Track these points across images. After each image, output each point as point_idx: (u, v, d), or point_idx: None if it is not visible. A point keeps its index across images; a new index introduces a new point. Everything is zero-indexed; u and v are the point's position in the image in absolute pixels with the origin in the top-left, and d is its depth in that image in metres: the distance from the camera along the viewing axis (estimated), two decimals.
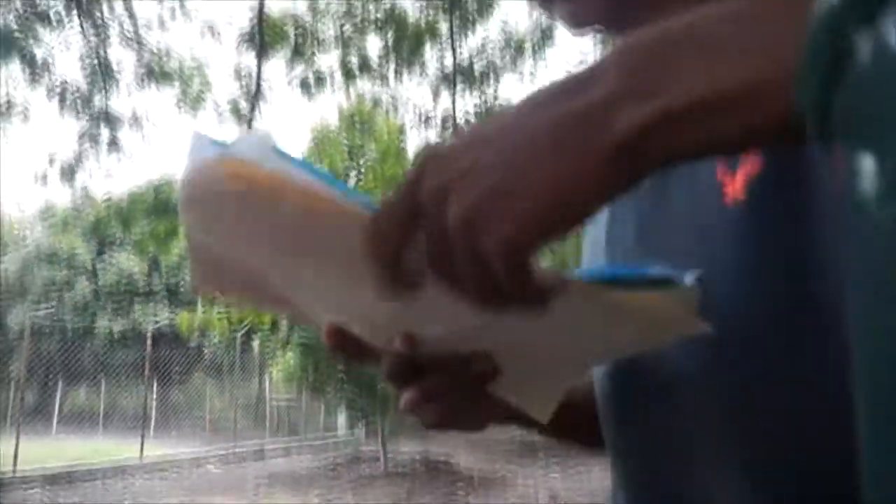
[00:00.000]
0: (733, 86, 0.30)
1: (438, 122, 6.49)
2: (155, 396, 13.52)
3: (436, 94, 6.39)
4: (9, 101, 6.28)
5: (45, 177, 5.71)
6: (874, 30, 0.17)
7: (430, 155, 0.37)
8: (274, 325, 9.34)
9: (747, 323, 0.44)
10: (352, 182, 8.83)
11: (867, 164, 0.17)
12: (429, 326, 0.45)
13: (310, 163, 0.42)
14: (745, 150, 0.36)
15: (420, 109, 6.60)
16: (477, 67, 6.05)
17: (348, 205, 0.38)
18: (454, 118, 6.11)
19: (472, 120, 6.33)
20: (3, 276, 21.58)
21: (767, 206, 0.44)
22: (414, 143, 6.64)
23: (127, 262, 21.02)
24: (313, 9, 6.13)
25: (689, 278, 0.43)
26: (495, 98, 6.25)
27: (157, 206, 5.78)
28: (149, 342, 11.47)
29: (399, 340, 0.47)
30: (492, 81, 6.15)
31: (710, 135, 0.31)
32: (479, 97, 6.24)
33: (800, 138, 0.28)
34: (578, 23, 0.59)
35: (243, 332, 10.83)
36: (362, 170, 9.40)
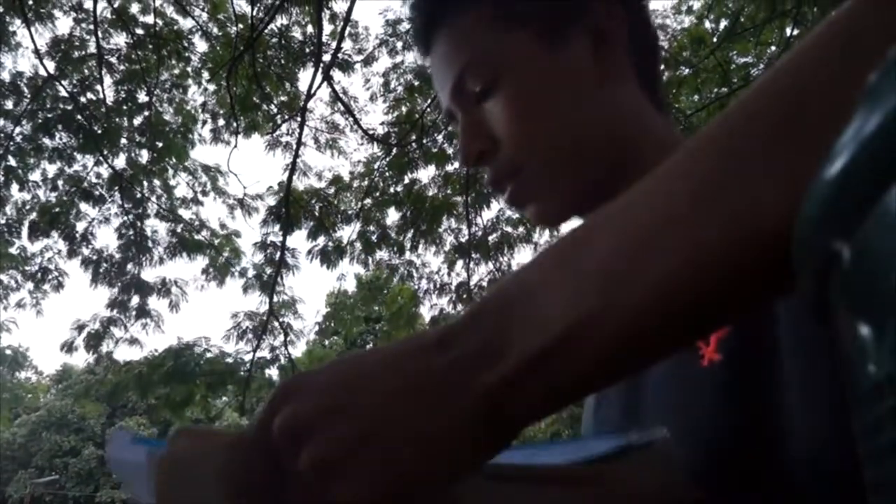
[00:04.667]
0: (563, 328, 0.30)
1: (453, 289, 6.67)
2: None
3: (451, 265, 6.61)
4: (44, 269, 6.57)
5: (72, 344, 5.82)
6: (858, 231, 0.17)
7: (288, 387, 0.35)
8: None
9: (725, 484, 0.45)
10: (367, 347, 8.86)
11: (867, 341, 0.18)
12: None
13: None
14: (619, 377, 0.33)
15: (436, 277, 6.81)
16: (491, 239, 6.30)
17: None
18: (468, 287, 6.28)
19: (487, 287, 6.51)
20: (10, 442, 21.15)
21: (741, 361, 0.46)
22: (428, 309, 6.79)
23: (137, 427, 20.62)
24: (337, 185, 6.53)
25: (646, 436, 0.42)
26: (509, 268, 6.47)
27: (174, 371, 5.82)
28: None
29: None
30: (505, 253, 6.38)
31: (568, 377, 0.31)
32: (494, 267, 6.46)
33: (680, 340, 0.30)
34: (549, 222, 0.63)
35: None
36: (378, 335, 9.49)
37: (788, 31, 5.23)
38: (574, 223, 0.61)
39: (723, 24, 6.12)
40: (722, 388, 0.46)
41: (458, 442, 0.32)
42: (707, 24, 6.26)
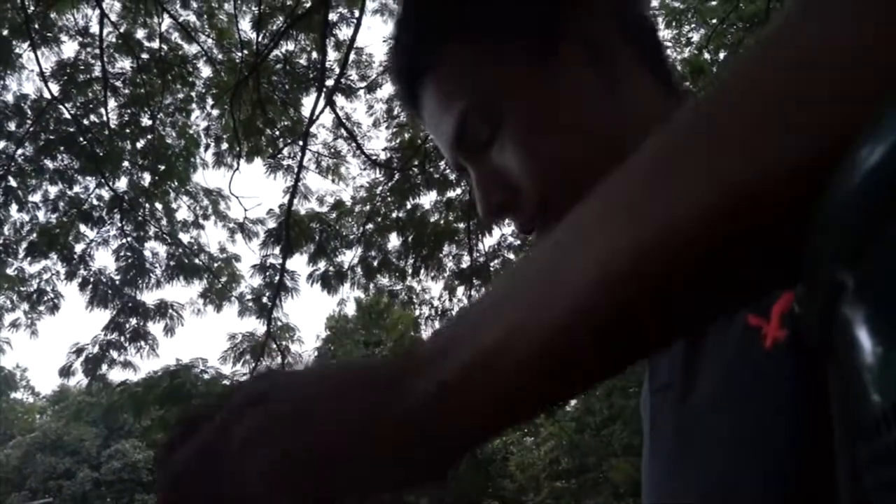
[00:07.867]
0: (483, 345, 0.30)
1: (453, 315, 6.66)
2: None
3: (451, 291, 6.60)
4: (40, 291, 6.54)
5: (70, 368, 5.79)
6: (864, 259, 0.17)
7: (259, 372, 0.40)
8: None
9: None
10: None
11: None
12: None
13: None
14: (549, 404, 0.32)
15: (437, 303, 6.80)
16: (492, 266, 6.30)
17: None
18: None
19: None
20: (4, 464, 20.93)
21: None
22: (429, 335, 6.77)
23: (132, 450, 20.44)
24: (339, 210, 6.55)
25: None
26: None
27: (170, 392, 5.77)
28: None
29: None
30: None
31: (491, 394, 0.30)
32: None
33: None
34: None
35: None
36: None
37: None
38: None
39: (722, 55, 6.19)
40: (792, 373, 0.40)
41: (380, 453, 0.32)
42: (706, 55, 6.33)
